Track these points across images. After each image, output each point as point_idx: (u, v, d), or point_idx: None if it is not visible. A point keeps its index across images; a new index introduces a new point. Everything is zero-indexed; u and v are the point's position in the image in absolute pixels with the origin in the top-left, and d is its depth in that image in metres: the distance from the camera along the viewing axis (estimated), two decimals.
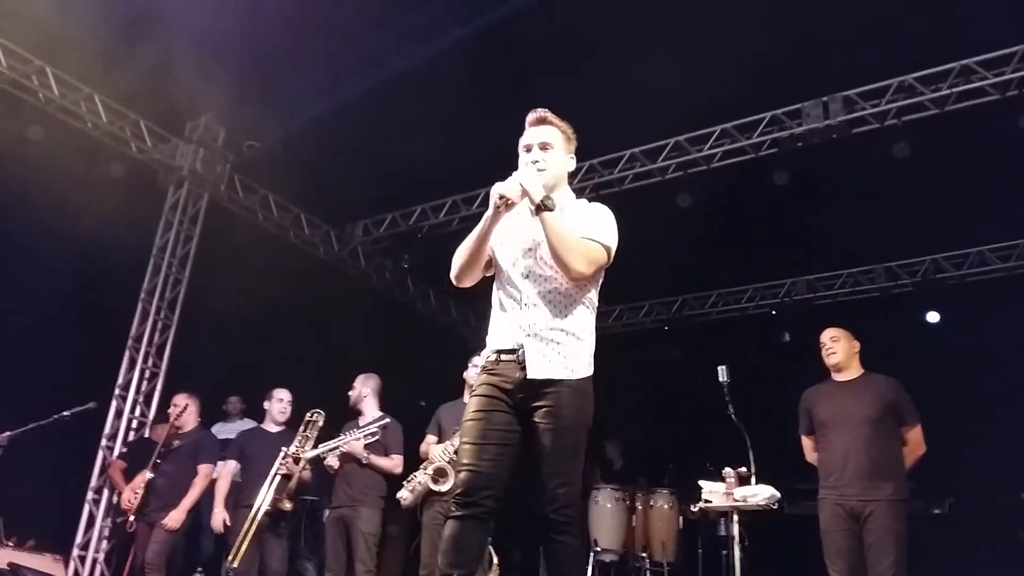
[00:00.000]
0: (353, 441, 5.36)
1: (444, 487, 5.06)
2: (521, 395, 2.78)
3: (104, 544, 6.98)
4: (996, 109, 6.27)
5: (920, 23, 5.82)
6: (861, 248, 8.69)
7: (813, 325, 5.10)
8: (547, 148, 2.97)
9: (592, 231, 2.88)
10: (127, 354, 7.46)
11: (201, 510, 6.18)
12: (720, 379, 4.97)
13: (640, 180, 7.75)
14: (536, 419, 2.75)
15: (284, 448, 5.49)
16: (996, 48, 6.16)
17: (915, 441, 4.57)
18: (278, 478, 5.37)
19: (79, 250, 6.54)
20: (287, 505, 5.36)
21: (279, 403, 5.99)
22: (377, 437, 5.41)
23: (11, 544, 5.78)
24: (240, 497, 5.66)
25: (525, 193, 2.80)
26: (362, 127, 7.03)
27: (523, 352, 2.79)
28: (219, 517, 5.65)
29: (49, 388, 6.47)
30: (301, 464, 5.42)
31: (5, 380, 7.37)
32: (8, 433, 5.18)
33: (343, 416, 5.87)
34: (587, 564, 6.79)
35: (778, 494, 4.66)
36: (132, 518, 5.64)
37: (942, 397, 6.45)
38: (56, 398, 5.65)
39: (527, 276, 2.89)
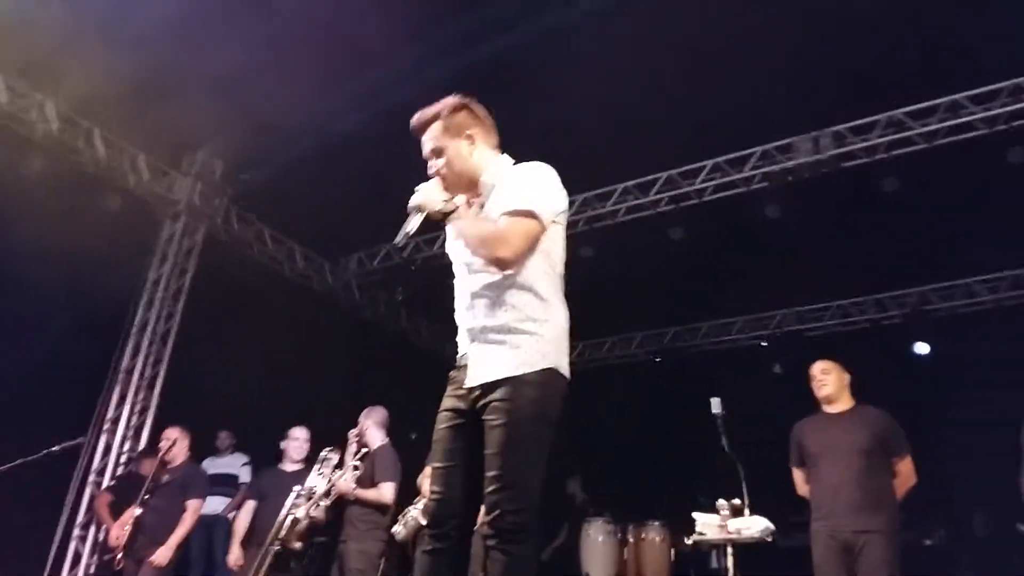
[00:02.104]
0: (340, 481, 5.30)
1: None
2: (473, 396, 2.54)
3: None
4: (984, 143, 6.37)
5: (909, 59, 5.93)
6: (851, 279, 8.76)
7: (804, 356, 5.12)
8: (438, 154, 2.75)
9: (512, 201, 2.56)
10: (118, 388, 7.39)
11: (189, 544, 6.10)
12: (713, 411, 4.94)
13: (632, 213, 7.85)
14: (485, 416, 2.48)
15: (298, 487, 5.43)
16: (985, 83, 6.28)
17: (906, 472, 4.58)
18: (290, 517, 5.30)
19: (71, 284, 6.52)
20: (296, 545, 5.28)
21: (295, 442, 5.99)
22: (359, 471, 5.36)
23: None
24: (255, 536, 5.65)
25: (426, 211, 2.67)
26: (357, 160, 7.07)
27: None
28: (235, 555, 5.65)
29: (38, 422, 6.41)
30: (311, 503, 5.32)
31: None
32: None
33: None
34: None
35: (772, 526, 4.63)
36: (120, 555, 5.54)
37: (932, 428, 6.47)
38: (45, 432, 5.61)
39: (469, 272, 2.65)
